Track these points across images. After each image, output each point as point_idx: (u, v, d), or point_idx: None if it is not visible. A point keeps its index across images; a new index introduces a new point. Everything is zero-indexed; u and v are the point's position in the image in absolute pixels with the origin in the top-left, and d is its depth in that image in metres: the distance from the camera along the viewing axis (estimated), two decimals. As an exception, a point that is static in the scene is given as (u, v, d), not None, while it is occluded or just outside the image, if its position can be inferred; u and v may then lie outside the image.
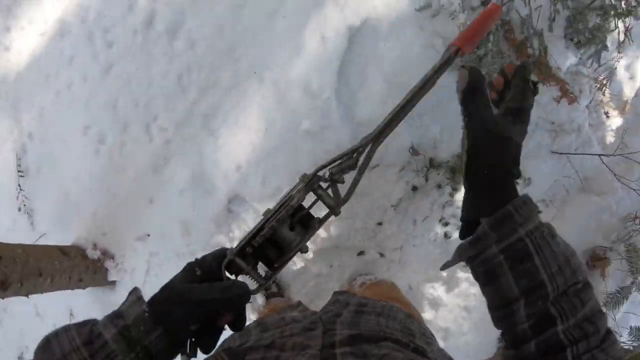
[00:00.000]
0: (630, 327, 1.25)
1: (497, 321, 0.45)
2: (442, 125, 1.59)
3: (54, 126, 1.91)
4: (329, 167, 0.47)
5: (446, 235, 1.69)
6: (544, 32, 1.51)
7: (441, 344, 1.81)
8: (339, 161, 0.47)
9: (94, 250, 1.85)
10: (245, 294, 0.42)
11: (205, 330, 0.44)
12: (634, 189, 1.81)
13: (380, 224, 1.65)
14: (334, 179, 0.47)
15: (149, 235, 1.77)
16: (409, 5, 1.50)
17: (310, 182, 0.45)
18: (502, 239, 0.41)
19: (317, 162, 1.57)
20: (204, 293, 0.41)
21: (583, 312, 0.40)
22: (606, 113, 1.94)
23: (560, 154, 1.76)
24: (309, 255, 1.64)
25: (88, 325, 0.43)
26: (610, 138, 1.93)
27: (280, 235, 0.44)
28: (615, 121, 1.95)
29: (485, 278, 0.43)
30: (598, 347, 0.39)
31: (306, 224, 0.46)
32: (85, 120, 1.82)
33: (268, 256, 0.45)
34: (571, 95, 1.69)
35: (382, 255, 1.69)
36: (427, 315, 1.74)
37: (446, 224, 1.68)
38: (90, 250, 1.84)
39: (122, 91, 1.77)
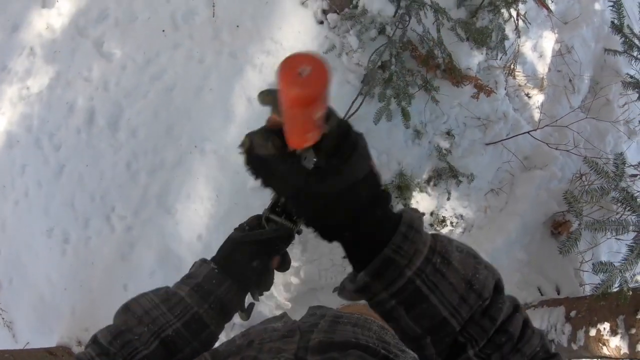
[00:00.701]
0: (593, 264, 1.31)
1: (412, 350, 0.42)
2: (378, 150, 1.70)
3: (18, 234, 1.95)
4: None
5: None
6: (444, 40, 1.65)
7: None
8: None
9: (79, 347, 1.84)
10: (292, 233, 0.51)
11: (261, 275, 0.51)
12: (570, 151, 1.92)
13: (346, 257, 1.71)
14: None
15: (129, 321, 1.78)
16: (317, 49, 1.64)
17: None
18: (390, 286, 0.36)
19: (271, 215, 1.66)
20: (260, 234, 0.51)
21: (495, 328, 0.38)
22: (527, 94, 2.10)
23: (494, 143, 1.87)
24: (288, 305, 1.67)
25: (162, 288, 0.49)
26: (537, 115, 2.07)
27: None
28: (537, 99, 2.10)
29: (385, 318, 0.39)
30: (512, 350, 0.38)
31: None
32: (47, 224, 1.87)
33: (293, 213, 0.53)
34: (487, 88, 1.83)
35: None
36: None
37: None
38: (75, 347, 1.84)
39: (77, 189, 1.83)
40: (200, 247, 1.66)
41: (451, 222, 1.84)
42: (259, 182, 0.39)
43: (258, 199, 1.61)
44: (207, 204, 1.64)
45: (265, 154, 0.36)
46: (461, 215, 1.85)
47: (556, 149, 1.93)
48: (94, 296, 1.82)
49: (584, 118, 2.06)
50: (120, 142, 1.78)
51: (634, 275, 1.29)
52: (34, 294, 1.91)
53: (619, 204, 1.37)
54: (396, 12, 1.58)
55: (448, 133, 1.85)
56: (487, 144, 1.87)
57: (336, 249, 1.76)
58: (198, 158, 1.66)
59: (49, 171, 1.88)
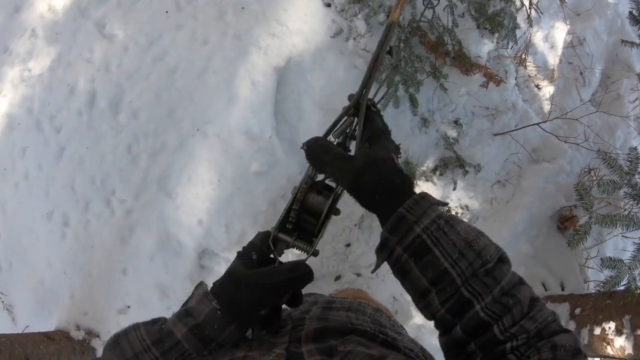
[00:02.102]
0: (602, 259, 1.28)
1: (423, 313, 0.45)
2: (384, 139, 1.66)
3: (18, 218, 1.93)
4: (332, 133, 0.51)
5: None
6: (455, 28, 1.61)
7: (438, 344, 1.81)
8: (338, 125, 0.51)
9: (77, 331, 1.83)
10: (309, 272, 0.45)
11: (269, 315, 0.46)
12: (580, 145, 1.88)
13: (348, 245, 1.69)
14: (339, 142, 0.51)
15: (129, 306, 1.77)
16: (324, 35, 1.60)
17: (311, 163, 0.48)
18: (402, 240, 0.43)
19: (272, 200, 1.63)
20: (272, 276, 0.43)
21: (499, 287, 0.40)
22: (537, 85, 2.05)
23: (502, 134, 1.83)
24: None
25: (158, 324, 0.43)
26: (546, 107, 2.02)
27: (311, 203, 0.48)
28: (547, 90, 2.06)
29: (400, 276, 0.45)
30: (525, 317, 0.39)
31: (330, 188, 0.50)
32: (48, 206, 1.85)
33: (307, 228, 0.49)
34: (497, 77, 1.79)
35: (358, 274, 1.71)
36: (418, 319, 1.75)
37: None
38: (74, 331, 1.82)
39: (78, 172, 1.81)
40: (201, 232, 1.63)
41: (456, 213, 1.81)
42: (314, 170, 0.50)
43: (261, 183, 1.58)
44: (209, 188, 1.61)
45: (317, 146, 0.49)
46: (466, 206, 1.81)
47: (565, 142, 1.89)
48: (93, 280, 1.81)
49: (595, 112, 2.02)
50: (121, 124, 1.75)
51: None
52: (33, 277, 1.90)
53: (630, 200, 1.33)
54: (406, -5, 1.54)
55: (456, 122, 1.81)
56: (495, 135, 1.83)
57: (339, 237, 1.73)
58: (200, 141, 1.63)
59: (50, 153, 1.86)
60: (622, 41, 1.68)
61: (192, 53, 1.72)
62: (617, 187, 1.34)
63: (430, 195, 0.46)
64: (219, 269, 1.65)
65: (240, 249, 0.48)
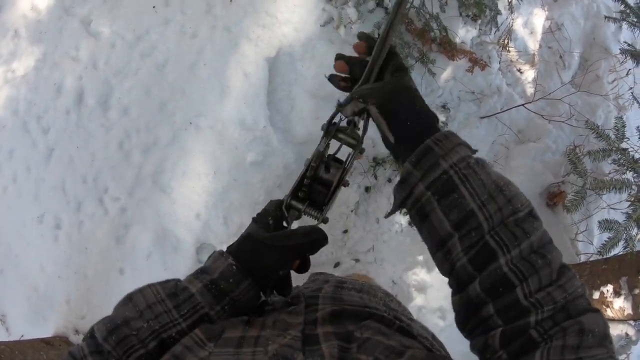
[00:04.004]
0: (599, 222, 1.34)
1: (440, 265, 0.42)
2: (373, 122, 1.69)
3: (8, 222, 1.87)
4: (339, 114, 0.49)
5: (410, 224, 1.76)
6: (440, 15, 1.66)
7: (440, 323, 1.83)
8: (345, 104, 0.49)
9: (76, 335, 1.79)
10: (324, 236, 0.45)
11: (281, 278, 0.46)
12: (564, 122, 1.95)
13: (345, 231, 1.70)
14: (350, 120, 0.49)
15: (127, 305, 1.74)
16: (314, 24, 1.62)
17: (328, 132, 0.49)
18: (426, 175, 0.39)
19: (269, 190, 1.64)
20: (289, 239, 0.44)
21: (528, 242, 0.36)
22: (519, 70, 2.12)
23: (489, 116, 1.89)
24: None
25: (172, 281, 0.43)
26: (529, 89, 2.09)
27: (323, 173, 0.50)
28: (529, 74, 2.13)
29: (419, 219, 0.41)
30: (553, 283, 0.35)
31: (340, 161, 0.51)
32: (38, 209, 1.81)
33: (317, 198, 0.50)
34: (482, 62, 1.84)
35: (357, 260, 1.73)
36: (419, 300, 1.78)
37: (407, 213, 1.75)
38: (73, 336, 1.78)
39: (68, 172, 1.77)
40: (198, 225, 1.62)
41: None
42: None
43: (258, 173, 1.58)
44: (205, 180, 1.60)
45: (361, 61, 0.47)
46: (460, 188, 1.85)
47: (549, 121, 1.96)
48: (90, 282, 1.77)
49: (575, 92, 2.10)
50: (111, 121, 1.73)
51: (638, 233, 1.31)
52: (26, 284, 1.85)
53: (619, 166, 1.40)
54: (392, -17, 1.58)
55: (444, 106, 1.85)
56: (482, 118, 1.88)
57: (336, 224, 1.75)
58: (193, 134, 1.62)
59: (38, 155, 1.82)
60: (605, 17, 1.75)
61: (181, 47, 1.71)
62: (606, 154, 1.39)
63: (459, 137, 0.42)
64: (219, 262, 1.64)
65: (256, 215, 0.49)
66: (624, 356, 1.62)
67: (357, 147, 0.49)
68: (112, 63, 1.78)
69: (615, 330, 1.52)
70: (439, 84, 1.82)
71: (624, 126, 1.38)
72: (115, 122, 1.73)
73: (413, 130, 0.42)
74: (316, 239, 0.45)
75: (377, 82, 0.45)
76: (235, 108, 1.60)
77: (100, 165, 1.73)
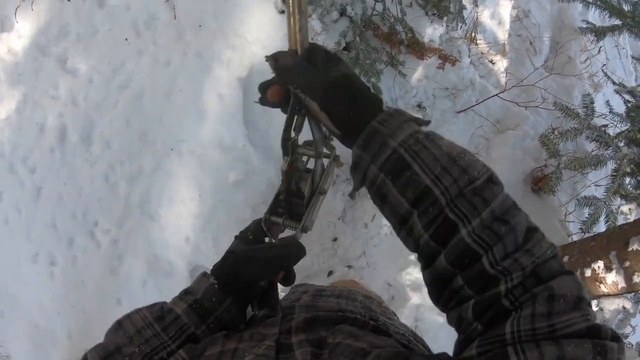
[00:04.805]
0: (578, 200, 1.34)
1: (406, 243, 0.41)
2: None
3: (3, 264, 1.90)
4: (291, 129, 0.49)
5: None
6: (404, 17, 1.69)
7: (440, 319, 1.83)
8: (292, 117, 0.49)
9: (80, 371, 1.80)
10: (301, 247, 0.46)
11: (265, 291, 0.47)
12: (539, 107, 1.98)
13: (335, 239, 1.72)
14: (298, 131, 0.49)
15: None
16: (281, 40, 1.66)
17: (285, 150, 0.50)
18: (376, 157, 0.38)
19: (254, 206, 1.66)
20: (267, 251, 0.46)
21: (488, 210, 0.34)
22: (491, 61, 2.16)
23: (465, 110, 1.92)
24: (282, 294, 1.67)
25: (159, 304, 0.45)
26: (503, 79, 2.13)
27: (296, 186, 0.51)
28: (501, 64, 2.16)
29: (378, 200, 0.41)
30: (519, 248, 0.34)
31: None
32: (31, 249, 1.83)
33: (296, 211, 0.51)
34: (452, 57, 1.87)
35: (350, 267, 1.75)
36: (415, 299, 1.78)
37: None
38: (77, 372, 1.79)
39: (57, 209, 1.80)
40: (188, 249, 1.64)
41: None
42: (282, 83, 0.46)
43: (241, 192, 1.61)
44: (191, 205, 1.63)
45: (286, 62, 0.45)
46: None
47: (526, 108, 1.99)
48: (88, 316, 1.78)
49: (548, 76, 2.13)
50: (95, 155, 1.76)
51: (619, 207, 1.33)
52: (27, 323, 1.86)
53: (593, 141, 1.41)
54: (354, -7, 1.61)
55: (419, 106, 1.88)
56: (458, 112, 1.91)
57: (325, 233, 1.77)
58: (176, 160, 1.65)
59: (27, 195, 1.84)
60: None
61: (156, 76, 1.75)
62: (578, 132, 1.41)
63: (408, 112, 0.41)
64: (213, 283, 1.66)
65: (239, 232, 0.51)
66: (629, 329, 1.62)
67: (316, 153, 0.49)
68: (91, 98, 1.81)
69: (612, 305, 1.52)
70: (412, 84, 1.86)
71: (592, 103, 1.40)
72: (99, 156, 1.75)
73: (357, 117, 0.40)
74: (292, 250, 0.46)
75: (317, 72, 0.43)
76: (213, 130, 1.63)
77: (88, 199, 1.76)
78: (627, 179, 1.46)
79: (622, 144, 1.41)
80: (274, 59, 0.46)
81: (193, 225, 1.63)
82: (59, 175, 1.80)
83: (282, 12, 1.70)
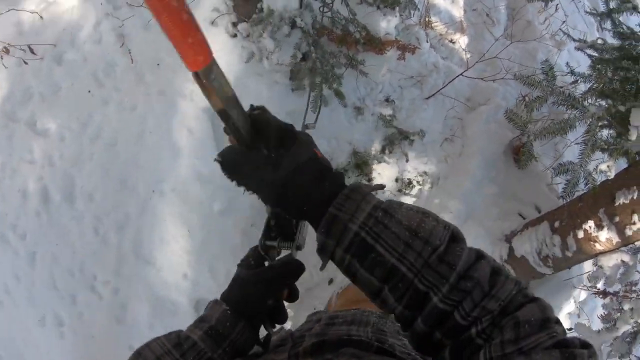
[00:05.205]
0: (554, 169, 1.33)
1: (382, 309, 0.44)
2: (326, 136, 1.73)
3: (12, 333, 1.91)
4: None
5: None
6: (354, 17, 1.70)
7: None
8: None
9: (107, 422, 1.82)
10: (299, 264, 0.49)
11: (274, 309, 0.50)
12: (505, 79, 1.98)
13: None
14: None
15: (146, 379, 1.77)
16: (238, 63, 1.67)
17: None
18: (341, 242, 0.40)
19: (244, 230, 1.67)
20: (270, 272, 0.48)
21: (455, 274, 0.38)
22: (451, 40, 2.16)
23: (433, 95, 1.93)
24: (290, 312, 1.68)
25: (175, 332, 0.47)
26: (465, 56, 2.13)
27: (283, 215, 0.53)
28: (461, 42, 2.17)
29: (349, 276, 0.43)
30: (486, 296, 0.37)
31: None
32: (37, 313, 1.85)
33: (288, 231, 0.53)
34: (410, 46, 1.88)
35: (331, 281, 1.76)
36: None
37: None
38: None
39: (55, 270, 1.82)
40: (188, 285, 1.66)
41: (417, 182, 1.88)
42: (234, 185, 0.45)
43: (228, 219, 1.62)
44: (182, 241, 1.64)
45: (233, 159, 0.44)
46: (425, 172, 1.89)
47: (493, 81, 2.00)
48: (105, 367, 1.80)
49: (510, 44, 2.14)
50: (80, 211, 1.77)
51: (597, 166, 1.33)
52: (46, 386, 1.88)
53: (560, 106, 1.41)
54: (301, 3, 1.62)
55: (387, 100, 1.89)
56: (427, 98, 1.92)
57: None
58: (159, 201, 1.67)
59: (22, 262, 1.86)
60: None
61: (125, 122, 1.76)
62: (543, 100, 1.41)
63: (363, 185, 0.43)
64: (219, 313, 1.67)
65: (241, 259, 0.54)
66: (637, 276, 1.62)
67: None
68: (66, 155, 1.83)
69: (610, 261, 1.51)
70: (377, 80, 1.87)
71: (551, 68, 1.40)
72: (84, 211, 1.77)
73: (313, 207, 0.42)
74: (292, 268, 0.49)
75: (265, 171, 0.42)
76: (189, 165, 1.64)
77: (82, 254, 1.77)
78: (605, 131, 1.45)
79: (589, 103, 1.41)
80: (221, 159, 0.44)
81: (188, 261, 1.65)
82: (50, 237, 1.82)
83: (234, 35, 1.71)
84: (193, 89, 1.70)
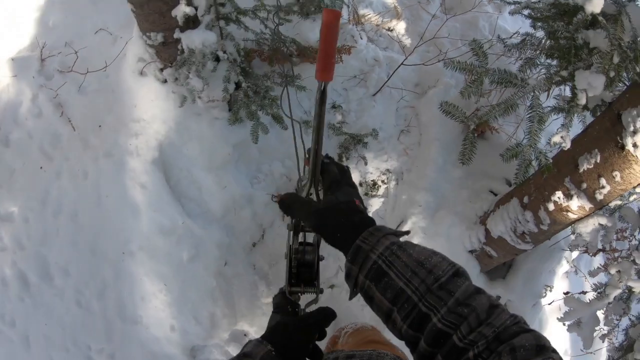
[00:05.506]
0: (501, 155, 1.28)
1: (393, 332, 0.51)
2: (279, 158, 1.70)
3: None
4: (301, 189, 0.65)
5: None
6: (279, 31, 1.66)
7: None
8: (302, 182, 0.65)
9: None
10: (334, 312, 0.58)
11: (313, 350, 0.58)
12: (449, 58, 1.92)
13: (322, 258, 1.73)
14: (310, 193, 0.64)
15: None
16: (174, 109, 1.65)
17: (295, 231, 0.65)
18: (362, 268, 0.49)
19: (217, 272, 1.67)
20: (311, 319, 0.56)
21: (453, 299, 0.44)
22: (388, 29, 2.11)
23: (380, 90, 1.88)
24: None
25: None
26: (407, 41, 2.08)
27: (302, 258, 0.64)
28: (399, 28, 2.12)
29: (367, 300, 0.51)
30: (482, 323, 0.42)
31: (311, 244, 0.66)
32: (44, 394, 1.86)
33: (305, 277, 0.64)
34: (346, 47, 1.84)
35: (332, 286, 1.75)
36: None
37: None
38: None
39: (50, 349, 1.83)
40: (177, 336, 1.66)
41: (382, 181, 1.85)
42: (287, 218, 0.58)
43: (199, 265, 1.62)
44: (161, 295, 1.64)
45: (287, 201, 0.60)
46: (387, 170, 1.86)
47: (438, 61, 1.95)
48: None
49: (448, 18, 2.09)
50: (60, 287, 1.78)
51: (550, 139, 1.27)
52: None
53: (495, 84, 1.36)
54: (221, 33, 1.60)
55: (334, 106, 1.86)
56: (374, 95, 1.88)
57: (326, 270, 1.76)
58: (131, 262, 1.67)
59: (18, 348, 1.87)
60: None
61: (80, 190, 1.76)
62: (479, 83, 1.36)
63: (387, 227, 0.53)
64: (216, 356, 1.68)
65: (274, 307, 0.64)
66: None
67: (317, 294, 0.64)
68: (33, 236, 1.83)
69: (588, 226, 1.46)
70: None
71: (480, 47, 1.36)
72: (63, 286, 1.77)
73: (343, 236, 0.53)
74: (328, 314, 0.58)
75: (310, 205, 0.59)
76: (150, 220, 1.64)
77: (72, 328, 1.78)
78: (562, 88, 1.38)
79: (529, 73, 1.36)
80: (280, 201, 0.61)
81: (172, 313, 1.65)
82: (38, 318, 1.83)
83: (165, 81, 1.69)
84: (137, 144, 1.69)
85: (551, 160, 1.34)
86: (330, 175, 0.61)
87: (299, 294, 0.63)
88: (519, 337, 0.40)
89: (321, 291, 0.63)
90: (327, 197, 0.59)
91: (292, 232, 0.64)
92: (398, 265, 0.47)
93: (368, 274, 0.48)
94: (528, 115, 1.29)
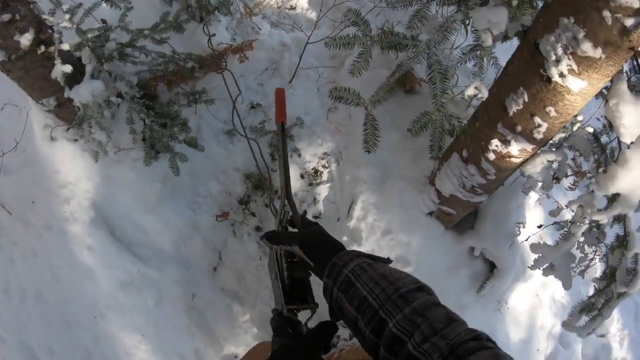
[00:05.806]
0: (409, 129, 1.19)
1: (359, 341, 0.54)
2: (214, 176, 1.65)
3: None
4: (278, 224, 0.77)
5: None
6: (168, 48, 1.57)
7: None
8: (278, 219, 0.77)
9: None
10: (335, 325, 0.62)
11: None
12: (331, 38, 1.79)
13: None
14: (283, 226, 0.77)
15: None
16: (94, 165, 1.62)
17: (271, 244, 0.71)
18: (336, 282, 0.56)
19: (186, 307, 1.65)
20: (314, 337, 0.60)
21: (410, 307, 0.47)
22: (291, 7, 2.01)
23: (295, 75, 1.77)
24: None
25: None
26: (311, 15, 1.97)
27: (296, 276, 0.69)
28: (301, 2, 2.00)
29: (340, 313, 0.57)
30: (436, 334, 0.43)
31: (301, 262, 0.69)
32: None
33: (296, 294, 0.68)
34: (246, 43, 1.73)
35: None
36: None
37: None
38: None
39: None
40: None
41: (323, 166, 1.80)
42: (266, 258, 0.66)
43: (166, 307, 1.60)
44: (142, 346, 1.64)
45: (273, 234, 0.73)
46: (325, 153, 1.80)
47: (346, 26, 1.85)
48: None
49: (347, -20, 1.97)
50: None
51: (461, 93, 1.17)
52: None
53: (388, 52, 1.24)
54: (111, 75, 1.53)
55: (252, 107, 1.79)
56: (290, 82, 1.81)
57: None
58: (104, 323, 1.66)
59: None
60: None
61: (35, 270, 1.74)
62: (367, 55, 1.22)
63: (362, 252, 0.60)
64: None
65: (273, 331, 0.67)
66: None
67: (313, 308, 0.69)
68: (9, 327, 1.82)
69: (536, 166, 1.34)
70: (233, 95, 1.76)
71: (358, 15, 1.24)
72: (52, 365, 1.78)
73: (322, 254, 0.61)
74: (330, 328, 0.61)
75: (293, 233, 0.71)
76: (107, 278, 1.62)
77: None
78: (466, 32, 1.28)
79: (420, 28, 1.23)
80: (265, 236, 0.71)
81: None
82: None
83: (76, 140, 1.64)
84: (71, 209, 1.66)
85: (465, 122, 1.23)
86: (304, 218, 0.77)
87: (296, 312, 0.66)
88: (475, 355, 0.40)
89: (317, 305, 0.66)
90: (304, 227, 0.72)
91: (279, 254, 0.68)
92: (364, 277, 0.53)
93: (340, 286, 0.55)
94: (428, 77, 1.18)
